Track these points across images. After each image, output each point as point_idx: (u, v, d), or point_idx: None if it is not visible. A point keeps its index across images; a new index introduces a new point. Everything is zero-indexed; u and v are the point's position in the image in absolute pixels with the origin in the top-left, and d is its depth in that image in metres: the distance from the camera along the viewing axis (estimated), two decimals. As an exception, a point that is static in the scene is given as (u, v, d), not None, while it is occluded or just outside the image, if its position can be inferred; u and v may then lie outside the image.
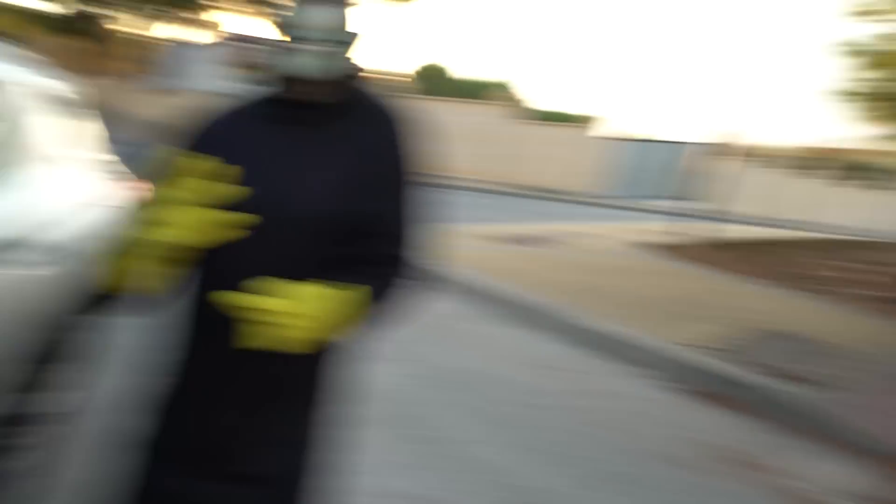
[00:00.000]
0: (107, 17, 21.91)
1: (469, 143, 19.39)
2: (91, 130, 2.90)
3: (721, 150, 9.36)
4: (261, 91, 1.39)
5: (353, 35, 1.33)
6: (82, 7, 21.24)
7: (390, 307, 1.36)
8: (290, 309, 1.13)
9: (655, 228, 10.36)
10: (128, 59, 23.67)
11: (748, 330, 5.13)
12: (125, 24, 23.13)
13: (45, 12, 21.37)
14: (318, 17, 1.26)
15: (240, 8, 21.34)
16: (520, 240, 8.37)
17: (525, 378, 4.26)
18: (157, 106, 18.43)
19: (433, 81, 28.71)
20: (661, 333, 4.95)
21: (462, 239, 8.23)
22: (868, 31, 10.10)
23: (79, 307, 2.35)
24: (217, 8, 20.59)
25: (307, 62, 1.26)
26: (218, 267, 1.32)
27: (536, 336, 5.20)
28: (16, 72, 2.28)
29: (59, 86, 2.64)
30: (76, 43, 24.20)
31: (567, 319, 5.32)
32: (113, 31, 23.11)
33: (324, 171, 1.33)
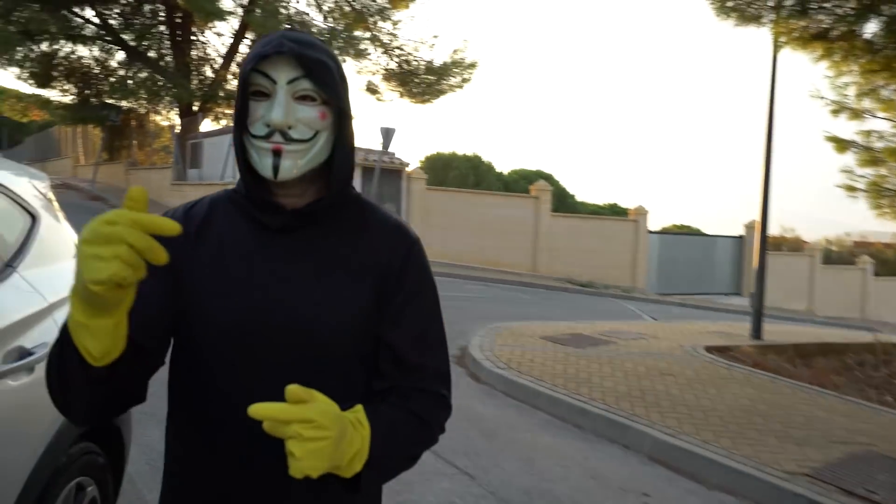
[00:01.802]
0: (129, 106, 23.03)
1: (512, 236, 19.36)
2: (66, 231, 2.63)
3: (766, 244, 9.04)
4: (238, 190, 1.21)
5: (344, 129, 1.16)
6: (103, 98, 22.37)
7: (409, 445, 1.15)
8: (300, 416, 0.91)
9: (710, 328, 9.92)
10: (151, 148, 24.70)
11: (833, 449, 4.66)
12: (148, 112, 24.29)
13: (66, 102, 22.58)
14: (286, 110, 1.09)
15: None
16: (571, 340, 8.03)
17: (596, 501, 3.88)
18: (182, 195, 18.91)
19: (475, 173, 29.20)
20: (742, 451, 4.52)
21: (513, 338, 7.97)
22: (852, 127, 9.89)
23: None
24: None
25: (283, 165, 1.09)
26: (221, 390, 1.12)
27: (599, 448, 4.82)
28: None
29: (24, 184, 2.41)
30: (97, 132, 25.51)
31: (634, 431, 4.93)
32: (137, 120, 24.26)
33: (331, 285, 1.15)
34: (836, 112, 8.92)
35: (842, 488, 4.00)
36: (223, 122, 22.97)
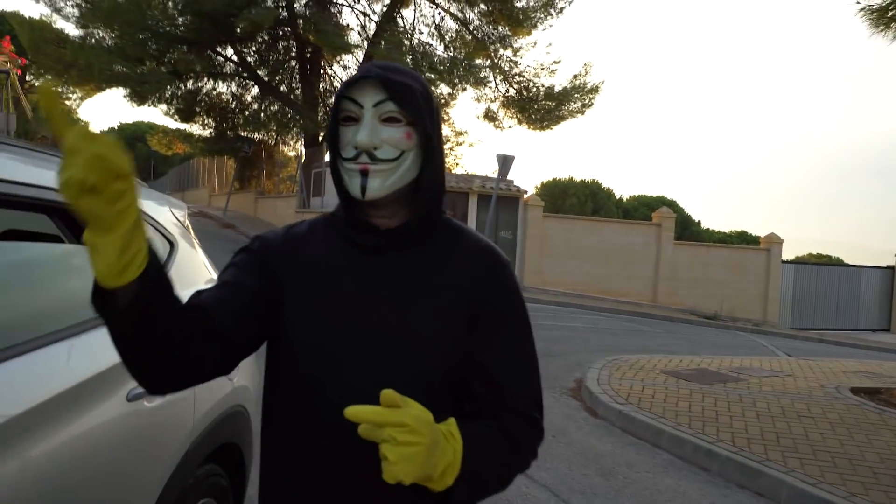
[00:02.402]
0: (260, 138, 24.36)
1: (632, 265, 18.78)
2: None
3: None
4: (336, 212, 1.28)
5: (431, 150, 1.19)
6: (237, 130, 23.78)
7: (501, 466, 1.14)
8: (395, 419, 0.91)
9: (855, 367, 9.10)
10: (279, 177, 25.97)
11: None
12: (277, 144, 25.57)
13: (205, 135, 24.17)
14: (371, 132, 1.15)
15: None
16: (696, 375, 7.61)
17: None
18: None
19: (593, 200, 28.69)
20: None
21: (632, 371, 7.67)
22: None
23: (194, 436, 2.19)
24: None
25: (370, 184, 1.15)
26: (311, 405, 1.17)
27: (728, 494, 4.50)
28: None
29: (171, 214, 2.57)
30: (230, 163, 27.10)
31: (769, 478, 4.56)
32: (266, 151, 25.62)
33: (422, 305, 1.18)
34: None
35: None
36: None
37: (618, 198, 32.86)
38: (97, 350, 1.79)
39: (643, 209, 28.47)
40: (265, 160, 26.43)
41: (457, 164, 22.92)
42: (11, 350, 1.56)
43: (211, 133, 24.52)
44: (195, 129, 24.88)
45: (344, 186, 1.19)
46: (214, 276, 2.77)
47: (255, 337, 1.19)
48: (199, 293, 1.16)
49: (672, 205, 25.68)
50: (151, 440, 2.00)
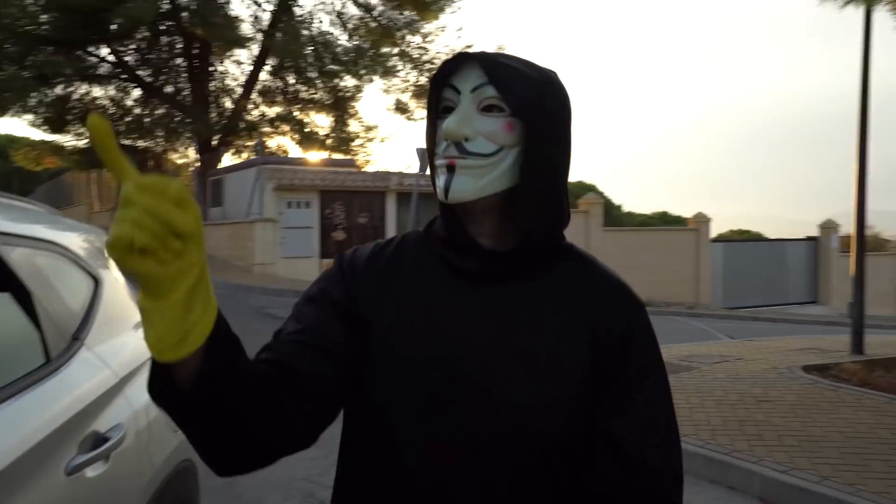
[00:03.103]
0: (146, 146, 23.46)
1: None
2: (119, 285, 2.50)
3: (864, 245, 8.68)
4: (434, 229, 1.12)
5: (543, 151, 1.02)
6: (119, 139, 22.76)
7: None
8: None
9: (799, 344, 9.56)
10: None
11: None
12: (166, 151, 24.72)
13: (80, 146, 23.05)
14: (461, 119, 1.01)
15: (280, 131, 22.47)
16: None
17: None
18: (206, 235, 19.04)
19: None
20: (872, 487, 4.24)
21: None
22: None
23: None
24: (261, 131, 21.67)
25: (455, 183, 1.00)
26: (397, 465, 1.01)
27: (699, 492, 4.59)
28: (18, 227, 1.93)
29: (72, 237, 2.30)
30: (112, 176, 25.93)
31: (739, 470, 4.68)
32: (154, 160, 24.70)
33: (539, 353, 1.01)
34: None
35: None
36: (244, 156, 23.33)
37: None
38: (22, 420, 1.59)
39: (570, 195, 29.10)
40: (153, 170, 25.36)
41: (367, 162, 22.73)
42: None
43: (87, 144, 23.32)
44: (68, 140, 23.62)
45: (439, 190, 1.03)
46: None
47: (344, 398, 1.05)
48: (274, 347, 1.00)
49: (593, 189, 26.31)
50: (98, 518, 1.80)
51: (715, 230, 21.49)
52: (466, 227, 1.05)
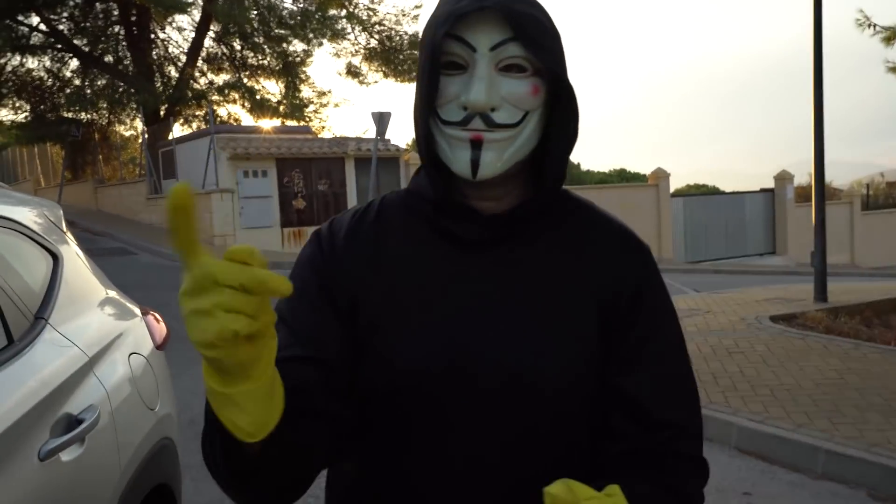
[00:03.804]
0: (89, 118, 22.76)
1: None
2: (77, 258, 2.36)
3: (824, 193, 8.86)
4: (416, 192, 1.01)
5: (561, 106, 0.94)
6: (60, 112, 22.06)
7: None
8: None
9: (764, 295, 9.77)
10: (119, 161, 24.48)
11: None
12: (111, 123, 24.05)
13: (19, 121, 22.27)
14: (489, 87, 0.89)
15: (230, 99, 21.99)
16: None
17: None
18: (160, 210, 18.65)
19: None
20: (844, 432, 4.36)
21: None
22: None
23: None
24: (210, 100, 21.16)
25: (484, 159, 0.90)
26: (418, 452, 0.94)
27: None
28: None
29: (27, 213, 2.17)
30: (57, 150, 25.17)
31: (716, 422, 4.76)
32: (100, 133, 24.02)
33: (548, 318, 0.95)
34: (889, 39, 8.65)
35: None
36: (195, 126, 22.75)
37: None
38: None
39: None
40: (100, 143, 24.59)
41: (323, 129, 22.37)
42: None
43: (26, 117, 22.49)
44: (4, 114, 22.74)
45: (440, 159, 0.93)
46: (108, 292, 2.44)
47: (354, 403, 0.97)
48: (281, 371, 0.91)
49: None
50: (76, 501, 1.72)
51: (672, 186, 21.69)
52: (463, 192, 0.97)
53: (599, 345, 0.96)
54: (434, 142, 0.93)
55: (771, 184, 23.38)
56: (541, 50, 0.89)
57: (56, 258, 2.12)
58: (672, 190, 21.63)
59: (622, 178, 31.39)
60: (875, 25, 8.86)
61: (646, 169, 44.04)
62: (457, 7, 0.88)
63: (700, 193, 25.95)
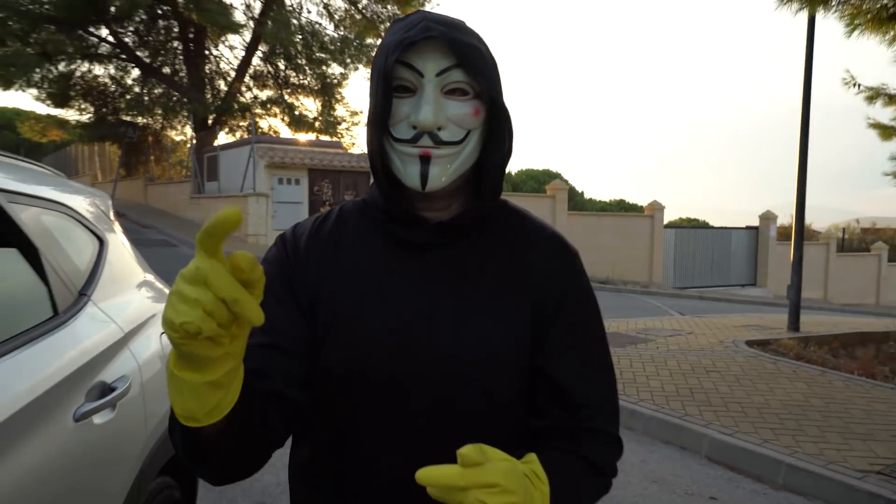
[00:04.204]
0: (145, 122, 22.97)
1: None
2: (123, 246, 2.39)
3: (803, 233, 8.81)
4: (372, 202, 1.03)
5: (498, 125, 0.97)
6: (120, 115, 22.28)
7: (587, 498, 0.98)
8: (482, 481, 0.73)
9: (742, 321, 9.69)
10: (168, 162, 24.68)
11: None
12: (164, 128, 24.25)
13: (83, 121, 22.49)
14: (436, 108, 0.91)
15: (272, 113, 22.13)
16: (612, 339, 7.77)
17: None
18: (201, 208, 18.78)
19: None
20: (806, 449, 4.31)
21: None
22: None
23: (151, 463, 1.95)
24: (254, 113, 21.31)
25: (432, 173, 0.93)
26: (370, 431, 0.96)
27: (655, 451, 4.63)
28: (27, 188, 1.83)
29: (81, 201, 2.21)
30: (114, 149, 25.38)
31: (690, 432, 4.73)
32: (153, 136, 24.23)
33: (484, 312, 0.98)
34: (871, 98, 8.63)
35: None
36: (238, 135, 22.92)
37: (507, 173, 33.38)
38: (31, 369, 1.52)
39: (531, 182, 29.04)
40: (153, 145, 24.82)
41: (353, 145, 22.47)
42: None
43: (90, 118, 22.71)
44: (71, 114, 22.96)
45: (393, 173, 0.96)
46: (146, 276, 2.46)
47: (310, 390, 0.99)
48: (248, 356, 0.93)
49: (559, 177, 26.35)
50: (104, 461, 1.74)
51: (666, 218, 21.62)
52: (412, 203, 0.99)
53: (531, 336, 0.99)
54: (387, 157, 0.95)
55: (756, 222, 23.27)
56: (481, 76, 0.92)
57: (102, 242, 2.15)
58: (665, 221, 21.55)
59: (621, 207, 31.28)
60: (860, 85, 8.84)
61: (642, 200, 43.95)
62: (406, 36, 0.91)
63: (691, 226, 25.78)
